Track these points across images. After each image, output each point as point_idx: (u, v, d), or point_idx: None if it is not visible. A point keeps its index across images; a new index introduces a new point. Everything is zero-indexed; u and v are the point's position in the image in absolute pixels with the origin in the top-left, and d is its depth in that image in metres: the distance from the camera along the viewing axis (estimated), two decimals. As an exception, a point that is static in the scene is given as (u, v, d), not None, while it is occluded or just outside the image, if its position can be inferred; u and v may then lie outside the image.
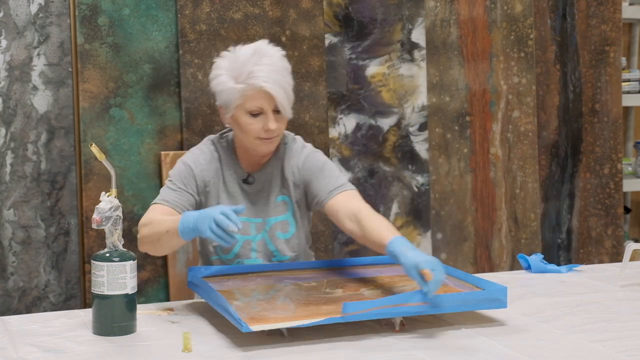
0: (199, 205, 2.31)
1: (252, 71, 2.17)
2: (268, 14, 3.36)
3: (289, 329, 1.87)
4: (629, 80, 4.13)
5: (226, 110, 2.25)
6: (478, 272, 3.62)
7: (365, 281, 2.23)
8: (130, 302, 1.91)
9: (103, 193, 1.94)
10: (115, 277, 1.88)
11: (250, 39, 3.33)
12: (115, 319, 1.89)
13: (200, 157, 2.34)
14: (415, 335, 1.89)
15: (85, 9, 3.14)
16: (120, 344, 1.84)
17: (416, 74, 3.58)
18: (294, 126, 3.39)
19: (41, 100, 3.14)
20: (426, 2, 3.59)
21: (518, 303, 2.16)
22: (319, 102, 3.43)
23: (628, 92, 4.10)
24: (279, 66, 2.21)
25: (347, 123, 3.50)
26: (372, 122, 3.51)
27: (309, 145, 2.39)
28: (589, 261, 3.83)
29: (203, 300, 2.12)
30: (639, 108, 4.47)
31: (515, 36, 3.71)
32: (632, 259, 2.42)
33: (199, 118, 3.26)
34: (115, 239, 1.92)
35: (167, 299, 3.15)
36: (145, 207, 3.18)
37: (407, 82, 3.55)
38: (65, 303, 3.17)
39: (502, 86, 3.70)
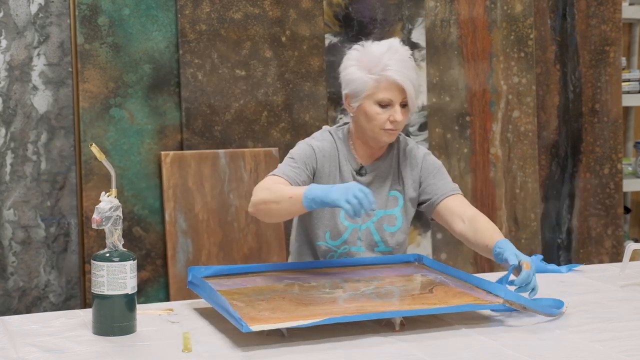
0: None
1: (388, 64, 2.31)
2: (268, 14, 3.36)
3: (289, 329, 1.87)
4: (629, 80, 4.13)
5: (354, 99, 2.39)
6: (478, 272, 3.62)
7: (365, 281, 2.23)
8: (130, 302, 1.91)
9: (103, 193, 1.94)
10: (115, 277, 1.88)
11: (250, 39, 3.33)
12: (115, 319, 1.89)
13: (322, 143, 2.46)
14: (415, 335, 1.89)
15: (85, 9, 3.14)
16: (120, 344, 1.84)
17: (416, 74, 3.57)
18: (294, 126, 3.40)
19: (41, 100, 3.14)
20: (426, 2, 3.59)
21: (518, 303, 2.16)
22: (319, 102, 3.44)
23: (628, 92, 4.11)
24: (409, 64, 2.36)
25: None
26: (372, 122, 3.51)
27: (422, 147, 2.56)
28: (589, 261, 3.83)
29: (203, 300, 2.12)
30: (639, 108, 4.47)
31: (515, 36, 3.71)
32: (632, 259, 2.41)
33: (199, 118, 3.26)
34: (115, 239, 1.92)
35: (167, 299, 3.15)
36: (145, 207, 3.19)
37: (407, 82, 3.55)
38: (65, 303, 3.17)
39: (502, 86, 3.70)
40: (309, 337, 1.86)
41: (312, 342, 1.84)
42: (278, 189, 2.27)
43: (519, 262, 2.11)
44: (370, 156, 2.47)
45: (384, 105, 2.35)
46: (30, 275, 3.14)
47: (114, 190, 1.94)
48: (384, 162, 2.48)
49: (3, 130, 3.10)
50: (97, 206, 1.92)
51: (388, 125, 2.36)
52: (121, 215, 1.92)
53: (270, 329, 1.81)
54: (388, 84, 2.33)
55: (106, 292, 1.88)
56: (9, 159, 3.11)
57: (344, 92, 2.42)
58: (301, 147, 2.45)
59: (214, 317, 2.01)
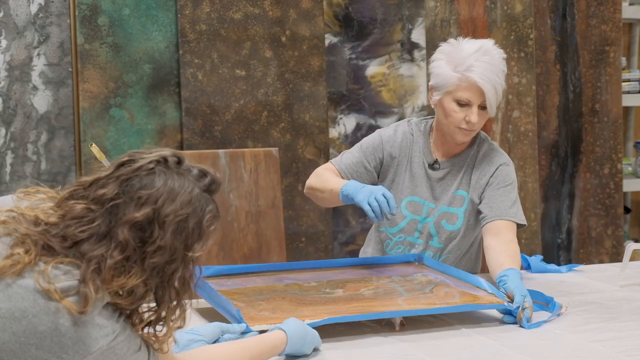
0: (370, 177, 2.47)
1: (472, 65, 2.29)
2: (268, 14, 3.36)
3: (289, 329, 1.86)
4: (629, 80, 4.13)
5: (436, 92, 2.37)
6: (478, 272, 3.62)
7: (365, 281, 2.23)
8: (130, 302, 1.91)
9: (103, 193, 1.94)
10: (115, 277, 1.88)
11: (250, 39, 3.33)
12: (115, 319, 1.89)
13: (395, 133, 2.50)
14: (415, 335, 1.89)
15: (85, 9, 3.14)
16: (120, 344, 1.83)
17: (416, 74, 3.58)
18: (294, 126, 3.39)
19: (41, 100, 3.14)
20: (426, 2, 3.59)
21: (518, 303, 2.15)
22: (319, 102, 3.44)
23: (628, 92, 4.10)
24: (497, 67, 2.32)
25: (347, 123, 3.51)
26: (372, 122, 3.51)
27: (506, 155, 2.48)
28: (589, 261, 3.83)
29: (203, 300, 2.12)
30: (639, 108, 4.47)
31: (515, 36, 3.71)
32: (632, 259, 2.41)
33: (199, 118, 3.26)
34: (115, 239, 1.91)
35: (167, 299, 3.14)
36: (145, 207, 3.18)
37: (407, 82, 3.56)
38: (65, 303, 3.17)
39: (502, 86, 3.70)
40: (309, 337, 1.86)
41: (312, 342, 1.83)
42: (325, 178, 2.43)
43: (522, 307, 1.97)
44: (447, 152, 2.45)
45: (462, 104, 2.32)
46: (30, 275, 3.14)
47: (114, 190, 1.93)
48: (459, 160, 2.44)
49: (3, 130, 3.10)
50: (97, 206, 1.91)
51: (463, 125, 2.33)
52: (121, 215, 1.92)
53: (270, 329, 1.81)
54: (469, 85, 2.30)
55: (106, 292, 1.88)
56: (9, 159, 3.11)
57: (430, 83, 2.41)
58: (371, 137, 2.51)
59: (214, 317, 2.01)
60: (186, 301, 1.43)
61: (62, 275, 1.33)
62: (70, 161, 3.18)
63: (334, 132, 3.49)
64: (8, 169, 3.12)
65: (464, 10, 3.65)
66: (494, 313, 2.05)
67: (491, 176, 2.40)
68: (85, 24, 3.14)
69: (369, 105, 3.53)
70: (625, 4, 4.12)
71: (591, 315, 2.05)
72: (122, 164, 1.39)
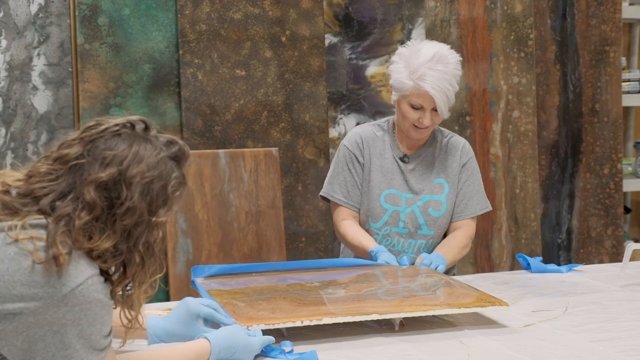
0: (362, 180, 2.63)
1: (425, 75, 2.45)
2: (268, 14, 3.36)
3: (289, 329, 1.87)
4: (629, 80, 4.13)
5: (394, 92, 2.55)
6: (478, 272, 3.62)
7: (368, 282, 2.23)
8: (130, 302, 1.91)
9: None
10: (115, 277, 1.88)
11: (250, 39, 3.33)
12: (115, 319, 1.89)
13: (354, 135, 2.65)
14: (415, 335, 1.89)
15: (85, 9, 3.14)
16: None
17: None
18: (294, 126, 3.39)
19: (41, 100, 3.14)
20: (426, 2, 3.59)
21: (518, 303, 2.16)
22: (319, 102, 3.44)
23: (628, 92, 4.10)
24: (449, 74, 2.48)
25: (347, 123, 3.51)
26: (372, 122, 3.51)
27: (465, 140, 2.68)
28: (589, 261, 3.83)
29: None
30: (639, 108, 4.47)
31: (515, 36, 3.71)
32: (632, 259, 2.41)
33: (199, 118, 3.26)
34: (115, 239, 1.91)
35: (167, 299, 3.15)
36: (145, 207, 3.18)
37: (407, 82, 3.55)
38: (65, 303, 3.17)
39: (502, 86, 3.70)
40: (309, 337, 1.86)
41: (312, 342, 1.84)
42: (350, 241, 2.56)
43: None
44: (412, 145, 2.62)
45: (416, 108, 2.49)
46: (30, 275, 3.14)
47: (114, 190, 1.93)
48: (426, 151, 2.62)
49: (3, 130, 3.10)
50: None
51: (417, 124, 2.52)
52: (121, 215, 1.92)
53: (270, 328, 1.81)
54: (421, 93, 2.46)
55: (106, 292, 1.88)
56: (9, 159, 3.11)
57: (389, 81, 2.56)
58: (340, 155, 2.64)
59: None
60: (154, 269, 1.43)
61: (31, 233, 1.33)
62: (70, 161, 3.18)
63: (334, 132, 3.49)
64: (8, 169, 3.12)
65: (464, 10, 3.65)
66: (495, 314, 2.05)
67: (463, 167, 2.61)
68: (85, 24, 3.14)
69: (369, 105, 3.53)
70: (625, 4, 4.12)
71: (591, 315, 2.05)
72: (88, 128, 1.41)
